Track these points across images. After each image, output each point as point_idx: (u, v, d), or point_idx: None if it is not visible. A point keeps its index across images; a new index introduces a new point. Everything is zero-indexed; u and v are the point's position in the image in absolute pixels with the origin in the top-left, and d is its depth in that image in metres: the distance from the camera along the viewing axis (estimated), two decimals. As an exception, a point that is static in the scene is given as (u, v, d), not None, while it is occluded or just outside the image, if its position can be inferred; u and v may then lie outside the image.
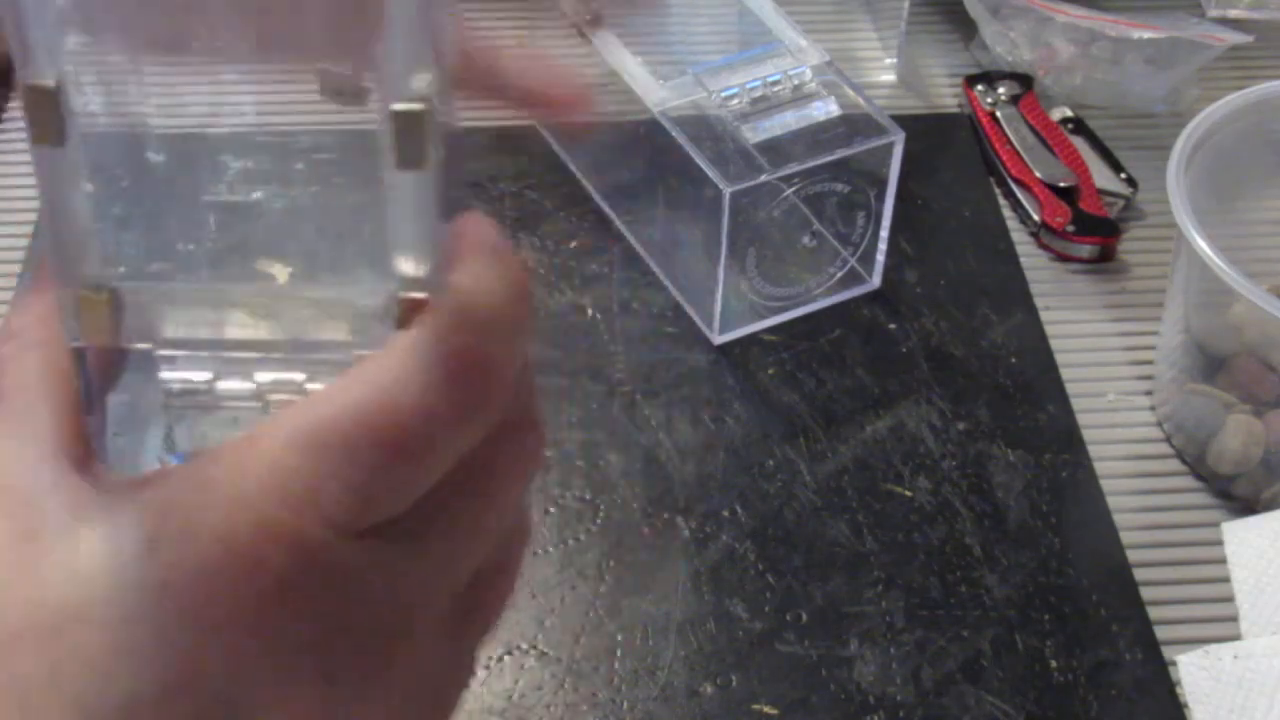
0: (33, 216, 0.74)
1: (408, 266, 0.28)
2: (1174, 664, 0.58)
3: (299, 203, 0.30)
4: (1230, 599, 0.60)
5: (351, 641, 0.27)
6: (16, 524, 0.27)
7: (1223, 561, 0.61)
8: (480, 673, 0.58)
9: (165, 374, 0.31)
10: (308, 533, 0.26)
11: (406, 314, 0.28)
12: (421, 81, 0.27)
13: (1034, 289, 0.74)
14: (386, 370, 0.27)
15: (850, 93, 0.69)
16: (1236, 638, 0.58)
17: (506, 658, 0.59)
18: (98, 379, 0.30)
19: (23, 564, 0.27)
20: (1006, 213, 0.78)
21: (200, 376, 0.30)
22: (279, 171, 0.30)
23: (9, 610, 0.26)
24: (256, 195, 0.30)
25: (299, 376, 0.30)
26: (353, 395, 0.27)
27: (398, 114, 0.26)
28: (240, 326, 0.30)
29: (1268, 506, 0.63)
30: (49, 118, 0.27)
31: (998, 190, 0.79)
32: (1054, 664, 0.59)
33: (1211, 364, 0.65)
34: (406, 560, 0.28)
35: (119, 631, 0.26)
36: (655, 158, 0.70)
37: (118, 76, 0.29)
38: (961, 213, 0.78)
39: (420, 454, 0.27)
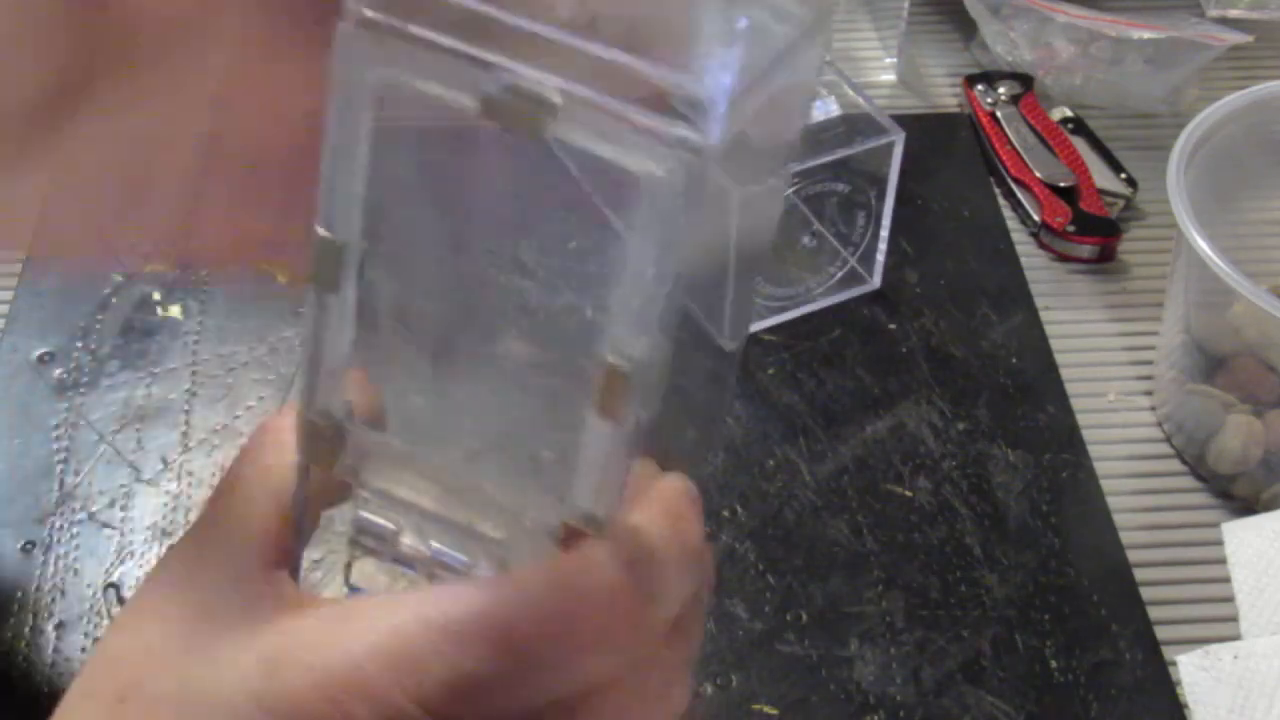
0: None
1: (583, 501, 0.30)
2: (1174, 664, 0.58)
3: (510, 405, 0.33)
4: (1230, 599, 0.59)
5: None
6: (199, 611, 0.31)
7: (1223, 561, 0.61)
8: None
9: (362, 512, 0.33)
10: (398, 703, 0.28)
11: (567, 538, 0.30)
12: (638, 347, 0.28)
13: (1034, 289, 0.74)
14: (527, 584, 0.29)
15: (850, 93, 0.69)
16: (1236, 638, 0.58)
17: (506, 658, 0.59)
18: (310, 504, 0.33)
19: (192, 644, 0.30)
20: (1006, 213, 0.78)
21: (389, 525, 0.33)
22: (506, 375, 0.33)
23: (161, 681, 0.30)
24: (480, 391, 0.33)
25: (465, 559, 0.33)
26: (489, 595, 0.29)
27: (609, 368, 0.28)
28: (426, 495, 0.32)
29: (1268, 506, 0.63)
30: (329, 267, 0.29)
31: (998, 190, 0.79)
32: (1054, 664, 0.59)
33: (1211, 364, 0.65)
34: None
35: None
36: (655, 158, 0.70)
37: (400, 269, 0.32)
38: (961, 213, 0.78)
39: (527, 669, 0.29)
